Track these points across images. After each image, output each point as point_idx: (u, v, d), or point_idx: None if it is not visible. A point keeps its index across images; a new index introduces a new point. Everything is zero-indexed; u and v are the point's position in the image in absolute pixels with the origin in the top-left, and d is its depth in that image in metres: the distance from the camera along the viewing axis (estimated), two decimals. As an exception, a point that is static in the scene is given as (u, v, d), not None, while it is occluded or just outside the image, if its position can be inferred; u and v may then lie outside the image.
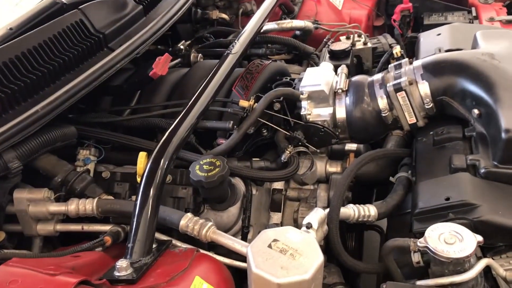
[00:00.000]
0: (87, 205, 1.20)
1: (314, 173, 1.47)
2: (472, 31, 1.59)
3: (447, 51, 1.57)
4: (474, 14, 2.20)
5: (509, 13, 2.21)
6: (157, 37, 1.68)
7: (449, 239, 1.00)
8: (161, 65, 1.45)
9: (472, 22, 2.15)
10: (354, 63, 1.97)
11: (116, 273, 0.96)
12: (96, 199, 1.21)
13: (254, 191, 1.41)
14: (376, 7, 2.43)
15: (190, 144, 1.40)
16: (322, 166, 1.50)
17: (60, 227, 1.23)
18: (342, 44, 1.89)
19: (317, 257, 0.98)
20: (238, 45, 1.59)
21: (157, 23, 1.69)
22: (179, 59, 1.86)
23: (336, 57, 1.86)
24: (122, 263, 0.97)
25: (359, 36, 2.04)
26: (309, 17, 2.19)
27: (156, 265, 1.03)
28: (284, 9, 2.21)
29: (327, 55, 1.89)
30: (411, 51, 1.90)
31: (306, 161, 1.46)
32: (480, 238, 1.00)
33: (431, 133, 1.36)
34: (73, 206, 1.20)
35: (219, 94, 1.46)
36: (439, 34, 1.77)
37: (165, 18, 1.74)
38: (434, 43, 1.72)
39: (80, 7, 1.51)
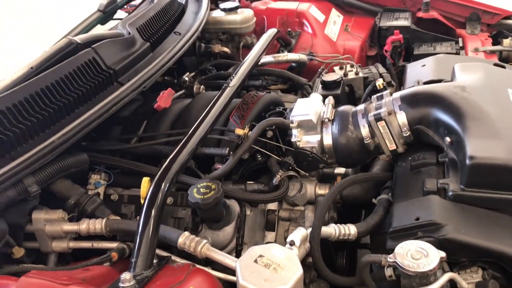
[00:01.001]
0: (97, 225, 1.34)
1: (304, 195, 1.60)
2: (454, 62, 1.73)
3: (428, 82, 1.71)
4: (461, 44, 2.34)
5: (494, 43, 2.34)
6: (163, 71, 1.85)
7: (416, 255, 1.12)
8: (164, 99, 1.61)
9: (459, 53, 2.28)
10: (347, 92, 2.11)
11: (121, 284, 1.09)
12: (104, 219, 1.36)
13: (248, 212, 1.54)
14: (369, 39, 2.58)
15: (190, 168, 1.55)
16: (312, 189, 1.63)
17: (73, 244, 1.38)
18: (334, 75, 2.04)
19: (297, 271, 1.11)
20: (236, 79, 1.75)
21: (164, 58, 1.85)
22: (183, 90, 2.02)
23: (328, 87, 2.01)
24: (126, 275, 1.10)
25: (352, 66, 2.19)
26: (305, 49, 2.35)
27: (156, 278, 1.16)
28: (281, 42, 2.38)
29: (320, 85, 2.04)
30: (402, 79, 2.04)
31: (297, 184, 1.60)
32: (443, 254, 1.12)
33: (409, 158, 1.49)
34: (85, 225, 1.35)
35: (217, 123, 1.61)
36: (423, 65, 1.91)
37: (171, 53, 1.91)
38: (418, 73, 1.87)
39: (93, 46, 1.68)
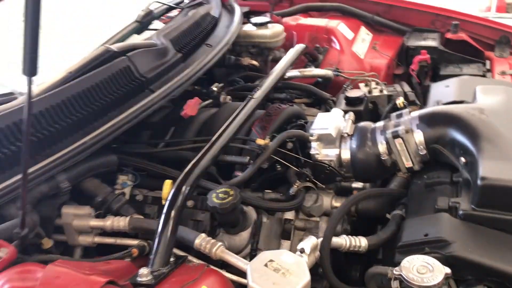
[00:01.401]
0: (121, 222, 1.43)
1: (320, 207, 1.64)
2: (478, 84, 1.76)
3: (450, 103, 1.74)
4: (488, 67, 2.35)
5: (523, 66, 2.34)
6: (193, 81, 1.94)
7: (421, 269, 1.16)
8: (191, 107, 1.70)
9: (485, 75, 2.29)
10: (370, 109, 2.15)
11: (138, 279, 1.17)
12: (128, 218, 1.44)
13: (265, 219, 1.60)
14: (396, 57, 2.61)
15: (211, 174, 1.62)
16: (328, 201, 1.67)
17: (98, 239, 1.47)
18: (358, 92, 2.09)
19: (305, 277, 1.16)
20: (260, 91, 1.82)
21: (194, 69, 1.94)
22: (211, 100, 2.10)
23: (352, 103, 2.06)
24: (144, 270, 1.18)
25: (377, 84, 2.23)
26: (332, 65, 2.41)
27: (172, 275, 1.23)
28: (309, 57, 2.44)
29: (343, 101, 2.09)
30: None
31: (314, 195, 1.65)
32: (448, 270, 1.15)
33: (425, 176, 1.53)
34: (109, 222, 1.44)
35: (240, 132, 1.69)
36: (447, 86, 1.94)
37: (201, 64, 2.00)
38: (441, 94, 1.90)
39: (127, 54, 1.79)
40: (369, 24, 2.75)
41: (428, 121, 1.53)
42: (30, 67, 1.00)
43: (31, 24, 1.01)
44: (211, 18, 2.37)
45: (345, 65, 2.44)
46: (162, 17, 2.55)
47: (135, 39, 2.03)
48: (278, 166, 1.69)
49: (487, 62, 2.38)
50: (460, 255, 1.19)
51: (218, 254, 1.30)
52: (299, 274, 1.16)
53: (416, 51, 2.48)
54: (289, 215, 1.69)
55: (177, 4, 2.45)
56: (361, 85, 2.25)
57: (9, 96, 1.58)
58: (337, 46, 2.53)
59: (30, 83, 1.03)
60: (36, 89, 1.48)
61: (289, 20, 2.69)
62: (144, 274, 1.17)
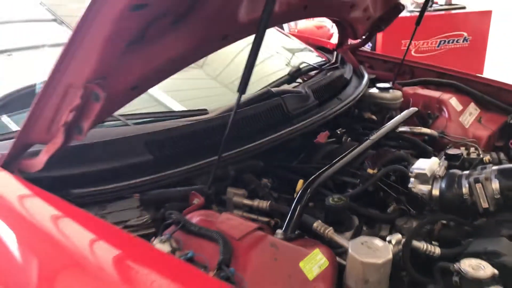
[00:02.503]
0: (264, 204, 2.03)
1: (409, 227, 2.11)
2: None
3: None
4: None
5: None
6: (323, 123, 2.57)
7: (475, 267, 1.60)
8: (322, 137, 2.33)
9: None
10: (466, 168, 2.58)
11: (277, 236, 1.75)
12: (268, 202, 2.06)
13: (364, 228, 2.12)
14: (499, 132, 3.01)
15: (329, 188, 2.20)
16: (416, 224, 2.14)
17: (245, 214, 2.10)
18: (456, 150, 2.55)
19: (388, 255, 1.66)
20: (375, 135, 2.39)
21: (325, 113, 2.58)
22: (334, 139, 2.71)
23: (450, 159, 2.52)
24: (279, 231, 1.77)
25: (476, 149, 2.66)
26: (439, 129, 2.89)
27: (294, 242, 1.80)
28: (420, 120, 2.95)
29: (443, 157, 2.55)
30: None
31: (405, 218, 2.13)
32: (496, 271, 1.58)
33: (498, 215, 1.95)
34: (256, 203, 2.06)
35: (355, 162, 2.25)
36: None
37: (331, 111, 2.63)
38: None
39: (281, 95, 2.49)
40: (478, 101, 3.19)
41: (505, 173, 1.97)
42: (243, 87, 1.69)
43: (254, 53, 1.66)
44: (343, 79, 3.02)
45: (450, 131, 2.90)
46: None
47: (286, 87, 2.74)
48: (381, 193, 2.22)
49: None
50: (508, 265, 1.62)
51: (329, 235, 1.84)
52: (384, 252, 1.66)
53: (517, 129, 2.86)
54: (384, 232, 2.18)
55: (320, 65, 3.15)
56: (462, 148, 2.69)
57: (203, 111, 2.32)
58: (446, 115, 3.01)
59: (239, 98, 1.72)
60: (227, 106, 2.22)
61: (408, 89, 3.24)
62: (279, 233, 1.77)
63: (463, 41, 5.17)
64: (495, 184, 1.96)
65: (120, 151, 1.90)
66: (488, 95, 3.19)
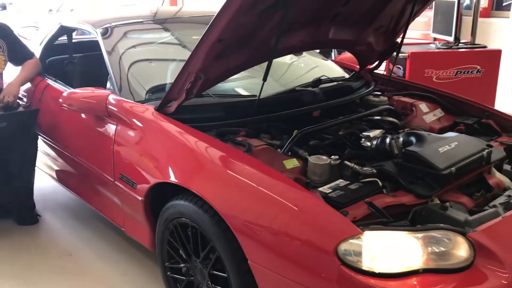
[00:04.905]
0: (277, 142, 3.89)
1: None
2: None
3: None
4: None
5: None
6: (324, 108, 4.37)
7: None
8: (316, 114, 4.14)
9: None
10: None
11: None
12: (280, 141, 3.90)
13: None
14: (449, 127, 4.53)
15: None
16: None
17: (268, 141, 3.96)
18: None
19: (327, 161, 3.42)
20: (353, 116, 4.15)
21: (326, 103, 4.37)
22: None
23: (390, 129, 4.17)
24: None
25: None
26: (408, 123, 4.53)
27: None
28: (396, 117, 4.62)
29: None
30: None
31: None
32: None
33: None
34: (273, 141, 3.92)
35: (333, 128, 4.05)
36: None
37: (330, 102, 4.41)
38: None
39: (302, 91, 4.36)
40: (447, 108, 4.65)
41: (407, 134, 3.65)
42: (265, 75, 3.57)
43: (269, 64, 3.51)
44: (348, 87, 4.78)
45: (413, 123, 4.49)
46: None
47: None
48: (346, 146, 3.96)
49: None
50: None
51: (305, 155, 3.65)
52: (324, 160, 3.45)
53: None
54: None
55: (336, 78, 4.97)
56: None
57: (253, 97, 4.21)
58: (414, 114, 4.61)
59: (262, 85, 3.61)
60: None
61: (395, 97, 4.57)
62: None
63: (476, 72, 6.55)
64: (400, 140, 3.64)
65: (208, 109, 3.91)
66: (455, 106, 4.38)
